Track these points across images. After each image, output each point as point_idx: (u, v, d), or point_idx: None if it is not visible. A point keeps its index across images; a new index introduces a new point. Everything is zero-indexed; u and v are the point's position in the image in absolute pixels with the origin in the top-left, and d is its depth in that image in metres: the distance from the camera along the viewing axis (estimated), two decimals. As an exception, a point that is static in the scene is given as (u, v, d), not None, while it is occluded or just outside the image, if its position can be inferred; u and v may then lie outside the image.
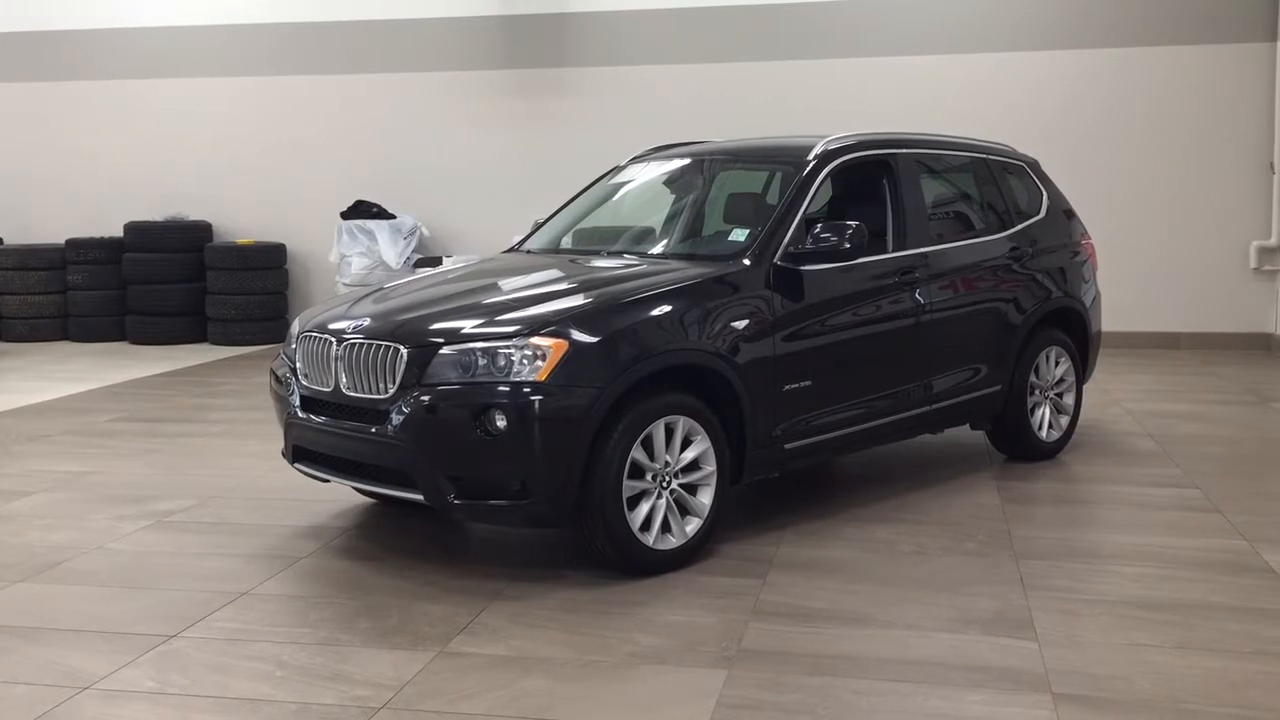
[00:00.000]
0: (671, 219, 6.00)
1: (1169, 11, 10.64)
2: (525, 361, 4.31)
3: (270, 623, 4.13)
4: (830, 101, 11.03)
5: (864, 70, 11.13)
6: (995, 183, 6.45)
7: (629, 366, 4.42)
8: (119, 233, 12.37)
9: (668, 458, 4.55)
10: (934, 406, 5.75)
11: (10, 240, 12.90)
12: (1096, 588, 4.41)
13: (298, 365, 4.93)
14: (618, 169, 6.45)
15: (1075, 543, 4.99)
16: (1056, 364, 6.45)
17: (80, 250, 12.36)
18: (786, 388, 4.97)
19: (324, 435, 4.74)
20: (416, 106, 12.06)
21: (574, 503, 4.38)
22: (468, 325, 4.52)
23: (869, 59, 11.13)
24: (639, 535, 4.46)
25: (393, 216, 11.73)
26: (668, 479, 4.57)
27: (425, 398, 4.36)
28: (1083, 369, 6.69)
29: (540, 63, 11.79)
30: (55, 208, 12.88)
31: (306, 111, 12.31)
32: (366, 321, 4.73)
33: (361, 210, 11.77)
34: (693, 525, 4.65)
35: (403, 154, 12.11)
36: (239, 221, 12.52)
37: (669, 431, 4.54)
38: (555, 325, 4.42)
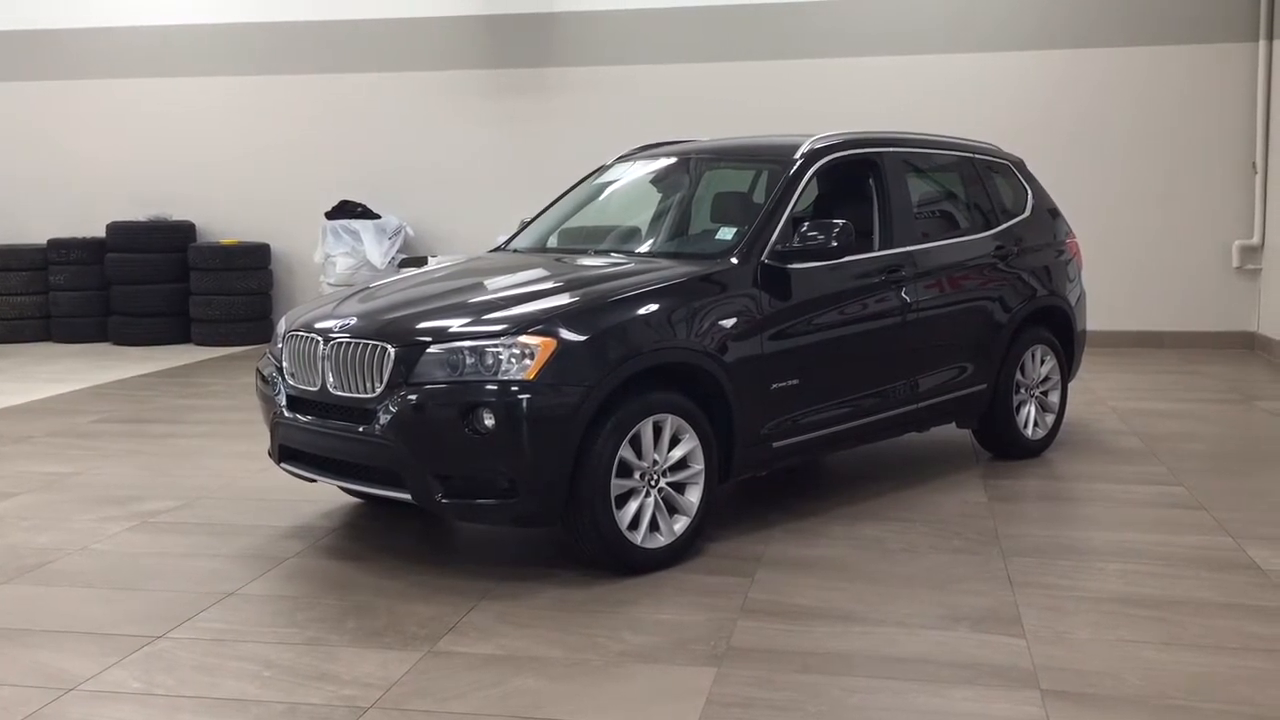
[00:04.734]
0: (658, 218, 6.00)
1: (1152, 11, 10.69)
2: (513, 360, 4.30)
3: (257, 623, 4.11)
4: (816, 101, 11.04)
5: (849, 70, 11.14)
6: (981, 182, 6.47)
7: (617, 365, 4.41)
8: (101, 233, 12.29)
9: (656, 456, 4.54)
10: (920, 405, 5.77)
11: (-9, 240, 12.84)
12: (1084, 584, 4.42)
13: (284, 364, 4.90)
14: (604, 168, 6.44)
15: (1062, 540, 5.00)
16: (1042, 362, 6.47)
17: (62, 250, 12.27)
18: (774, 386, 4.97)
19: (311, 435, 4.72)
20: (401, 106, 12.02)
21: (562, 501, 4.37)
22: (455, 324, 4.51)
23: (854, 59, 11.15)
24: (627, 534, 4.45)
25: (378, 216, 11.69)
26: (656, 477, 4.57)
27: (413, 396, 4.34)
28: (1068, 367, 6.71)
29: (525, 62, 11.77)
30: (37, 207, 12.79)
31: (290, 111, 12.26)
32: (353, 320, 4.71)
33: (346, 210, 11.73)
34: (681, 524, 4.64)
35: (387, 154, 12.07)
36: (223, 221, 12.45)
37: (657, 430, 4.54)
38: (543, 324, 4.41)
